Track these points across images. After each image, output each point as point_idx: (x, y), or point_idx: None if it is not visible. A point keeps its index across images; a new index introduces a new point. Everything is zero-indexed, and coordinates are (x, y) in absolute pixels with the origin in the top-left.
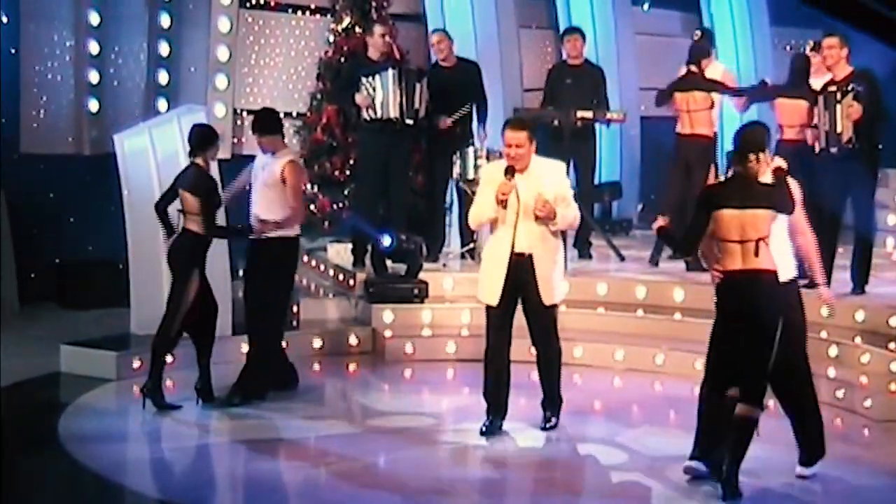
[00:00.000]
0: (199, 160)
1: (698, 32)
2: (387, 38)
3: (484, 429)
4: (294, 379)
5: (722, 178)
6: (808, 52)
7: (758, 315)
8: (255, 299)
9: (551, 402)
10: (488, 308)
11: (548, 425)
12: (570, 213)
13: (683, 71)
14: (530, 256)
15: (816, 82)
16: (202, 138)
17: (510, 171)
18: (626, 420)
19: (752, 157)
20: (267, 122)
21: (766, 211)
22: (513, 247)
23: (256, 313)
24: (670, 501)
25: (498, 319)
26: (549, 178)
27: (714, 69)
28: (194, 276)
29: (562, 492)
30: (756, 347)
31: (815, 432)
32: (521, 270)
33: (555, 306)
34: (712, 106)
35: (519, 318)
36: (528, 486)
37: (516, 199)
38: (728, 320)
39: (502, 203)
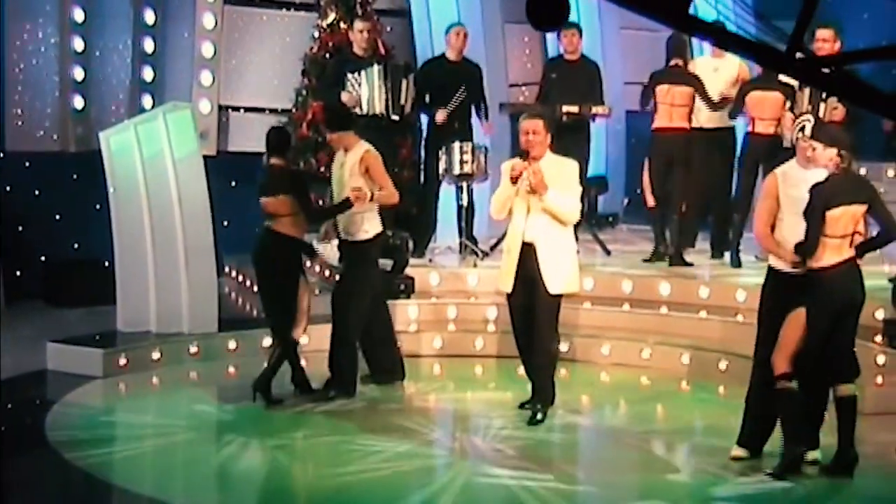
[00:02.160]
0: (278, 161)
1: None
2: (367, 33)
3: (522, 403)
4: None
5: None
6: None
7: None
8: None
9: (540, 394)
10: (507, 296)
11: (535, 418)
12: (562, 200)
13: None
14: (534, 248)
15: None
16: (280, 139)
17: (524, 155)
18: (614, 413)
19: (846, 154)
20: (339, 119)
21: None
22: (523, 236)
23: (341, 316)
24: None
25: (514, 306)
26: (559, 172)
27: (731, 62)
28: (302, 280)
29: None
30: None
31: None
32: (528, 259)
33: (558, 298)
34: (693, 101)
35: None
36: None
37: (528, 188)
38: (836, 310)
39: (514, 180)
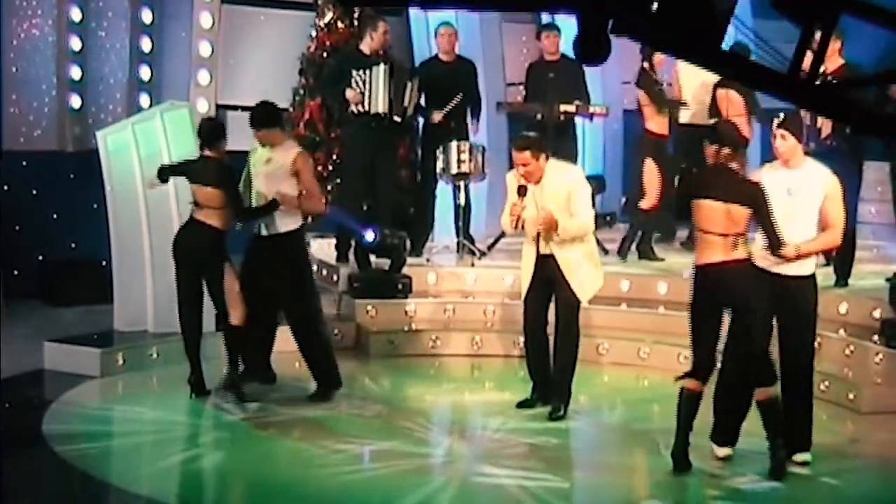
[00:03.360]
0: (212, 153)
1: None
2: (388, 35)
3: (520, 402)
4: (272, 377)
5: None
6: None
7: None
8: (297, 306)
9: (560, 393)
10: (524, 301)
11: (556, 415)
12: (572, 225)
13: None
14: (554, 257)
15: None
16: (214, 131)
17: (521, 192)
18: (612, 413)
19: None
20: (265, 115)
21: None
22: (538, 249)
23: (301, 317)
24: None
25: (528, 310)
26: (562, 187)
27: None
28: (228, 266)
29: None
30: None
31: (806, 424)
32: (547, 269)
33: (578, 302)
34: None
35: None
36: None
37: (535, 208)
38: (702, 311)
39: (514, 221)
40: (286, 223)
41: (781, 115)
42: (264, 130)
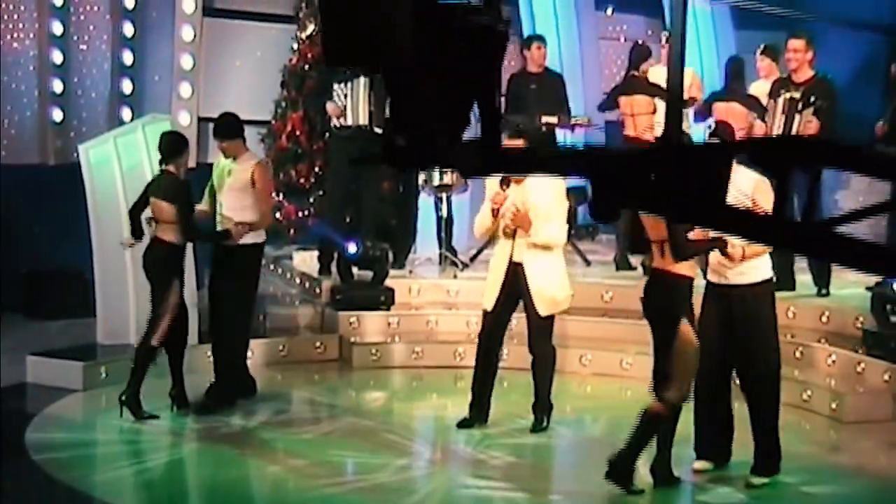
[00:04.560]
0: (170, 167)
1: (665, 35)
2: None
3: (460, 422)
4: (253, 388)
5: None
6: (758, 54)
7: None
8: (222, 308)
9: (542, 406)
10: (484, 312)
11: (538, 427)
12: (544, 230)
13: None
14: (524, 266)
15: (764, 85)
16: (173, 146)
17: (504, 182)
18: (595, 424)
19: None
20: (227, 127)
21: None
22: (511, 256)
23: (224, 322)
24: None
25: (490, 324)
26: (541, 192)
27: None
28: (175, 286)
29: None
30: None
31: (772, 440)
32: (517, 279)
33: (550, 315)
34: (654, 111)
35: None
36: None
37: (512, 204)
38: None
39: (494, 212)
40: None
41: (712, 124)
42: (227, 142)
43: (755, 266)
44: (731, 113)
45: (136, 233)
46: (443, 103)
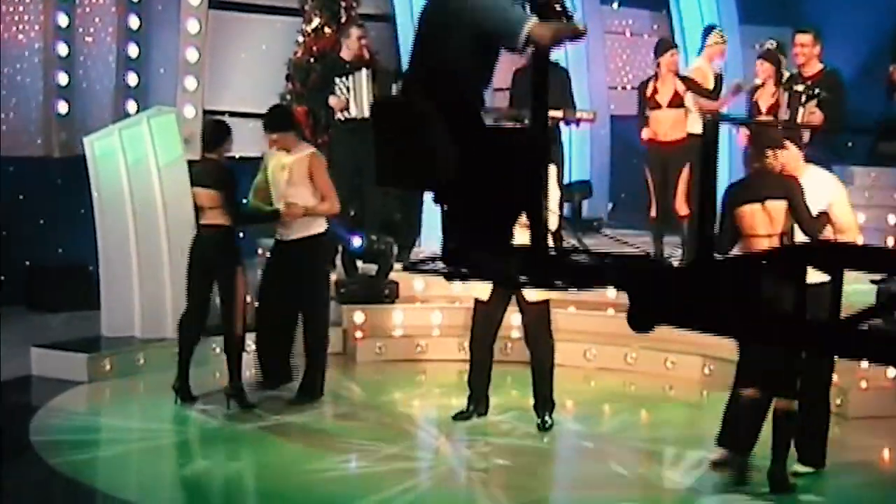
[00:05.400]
0: (213, 155)
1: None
2: (363, 40)
3: (457, 414)
4: (289, 376)
5: None
6: (758, 58)
7: None
8: (300, 301)
9: (544, 403)
10: (477, 302)
11: (545, 426)
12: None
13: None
14: None
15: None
16: (216, 133)
17: None
18: (599, 419)
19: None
20: (279, 119)
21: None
22: None
23: (306, 314)
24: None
25: (484, 314)
26: None
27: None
28: (239, 268)
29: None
30: None
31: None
32: None
33: (544, 303)
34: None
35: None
36: (530, 480)
37: None
38: None
39: None
40: (300, 229)
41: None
42: (278, 134)
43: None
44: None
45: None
46: (491, 216)
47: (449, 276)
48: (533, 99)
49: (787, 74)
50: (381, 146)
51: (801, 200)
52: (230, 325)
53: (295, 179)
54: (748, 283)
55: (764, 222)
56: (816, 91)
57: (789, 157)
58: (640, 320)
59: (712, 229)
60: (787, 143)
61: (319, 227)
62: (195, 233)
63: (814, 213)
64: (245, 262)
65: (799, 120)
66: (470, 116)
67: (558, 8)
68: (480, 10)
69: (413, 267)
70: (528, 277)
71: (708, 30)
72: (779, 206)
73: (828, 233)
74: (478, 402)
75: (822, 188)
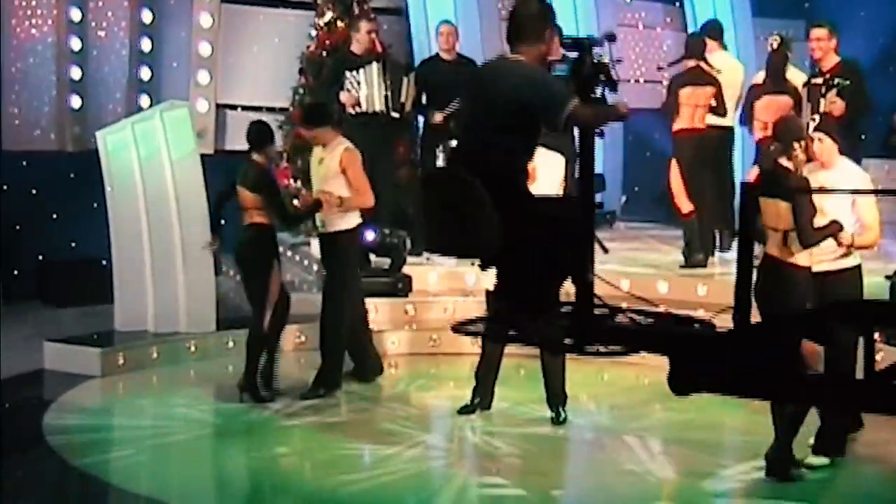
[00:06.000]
0: (258, 157)
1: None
2: (373, 34)
3: (462, 408)
4: (380, 368)
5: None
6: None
7: None
8: (329, 296)
9: (556, 396)
10: (488, 293)
11: (560, 419)
12: None
13: (692, 64)
14: None
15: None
16: (260, 135)
17: None
18: (612, 412)
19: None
20: (315, 114)
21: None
22: None
23: (328, 309)
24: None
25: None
26: (542, 173)
27: (733, 67)
28: (275, 268)
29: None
30: None
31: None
32: None
33: None
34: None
35: None
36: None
37: None
38: None
39: None
40: (336, 222)
41: (817, 117)
42: (315, 129)
43: (854, 253)
44: (777, 106)
45: (216, 228)
46: (537, 282)
47: (496, 338)
48: (580, 176)
49: (791, 68)
50: (431, 214)
51: (806, 209)
52: (255, 322)
53: (329, 173)
54: (787, 349)
55: (773, 217)
56: (836, 81)
57: (823, 150)
58: (681, 385)
59: (749, 299)
60: (822, 135)
61: (348, 223)
62: (243, 232)
63: (837, 210)
64: (282, 263)
65: (820, 112)
66: (516, 189)
67: (603, 78)
68: (525, 87)
69: (461, 328)
70: (573, 342)
71: (708, 24)
72: (784, 206)
73: (850, 227)
74: (483, 395)
75: (851, 182)
